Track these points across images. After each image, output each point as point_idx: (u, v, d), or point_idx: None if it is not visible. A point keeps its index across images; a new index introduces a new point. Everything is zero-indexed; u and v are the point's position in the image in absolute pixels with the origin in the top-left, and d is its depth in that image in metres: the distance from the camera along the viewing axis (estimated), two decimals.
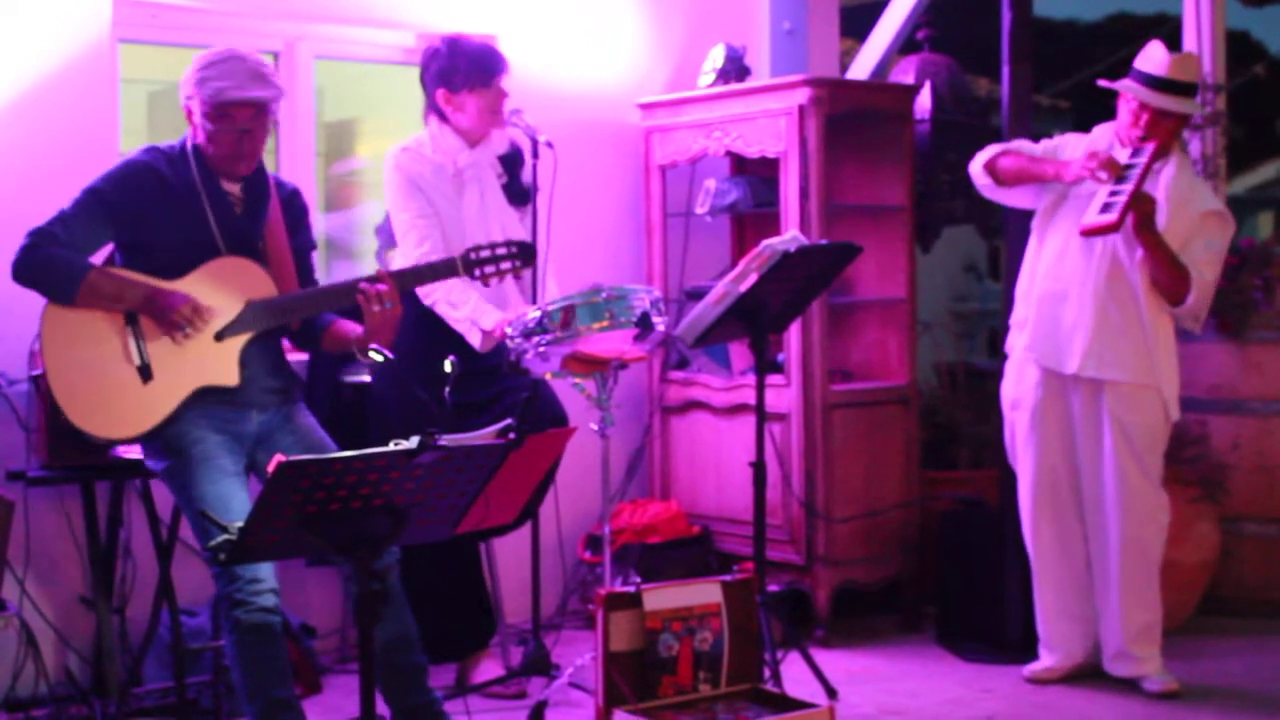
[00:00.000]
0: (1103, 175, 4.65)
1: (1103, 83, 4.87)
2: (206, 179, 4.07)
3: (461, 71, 4.77)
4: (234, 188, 4.12)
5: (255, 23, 5.39)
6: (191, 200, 4.05)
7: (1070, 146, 4.96)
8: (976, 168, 5.02)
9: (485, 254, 4.12)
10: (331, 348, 4.25)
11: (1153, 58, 4.77)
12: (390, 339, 4.08)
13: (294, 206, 4.29)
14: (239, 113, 4.01)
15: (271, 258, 4.14)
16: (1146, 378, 4.81)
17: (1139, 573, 4.86)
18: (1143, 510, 4.83)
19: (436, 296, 4.73)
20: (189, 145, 4.09)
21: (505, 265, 4.13)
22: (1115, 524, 4.84)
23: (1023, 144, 5.03)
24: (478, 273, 4.12)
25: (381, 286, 4.00)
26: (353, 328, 4.18)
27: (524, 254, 4.15)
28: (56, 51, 4.86)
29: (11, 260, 3.97)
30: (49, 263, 3.94)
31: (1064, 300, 4.86)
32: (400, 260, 4.81)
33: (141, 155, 4.11)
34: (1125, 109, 4.84)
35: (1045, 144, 5.02)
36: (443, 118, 4.83)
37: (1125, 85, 4.79)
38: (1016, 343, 5.01)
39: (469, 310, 4.70)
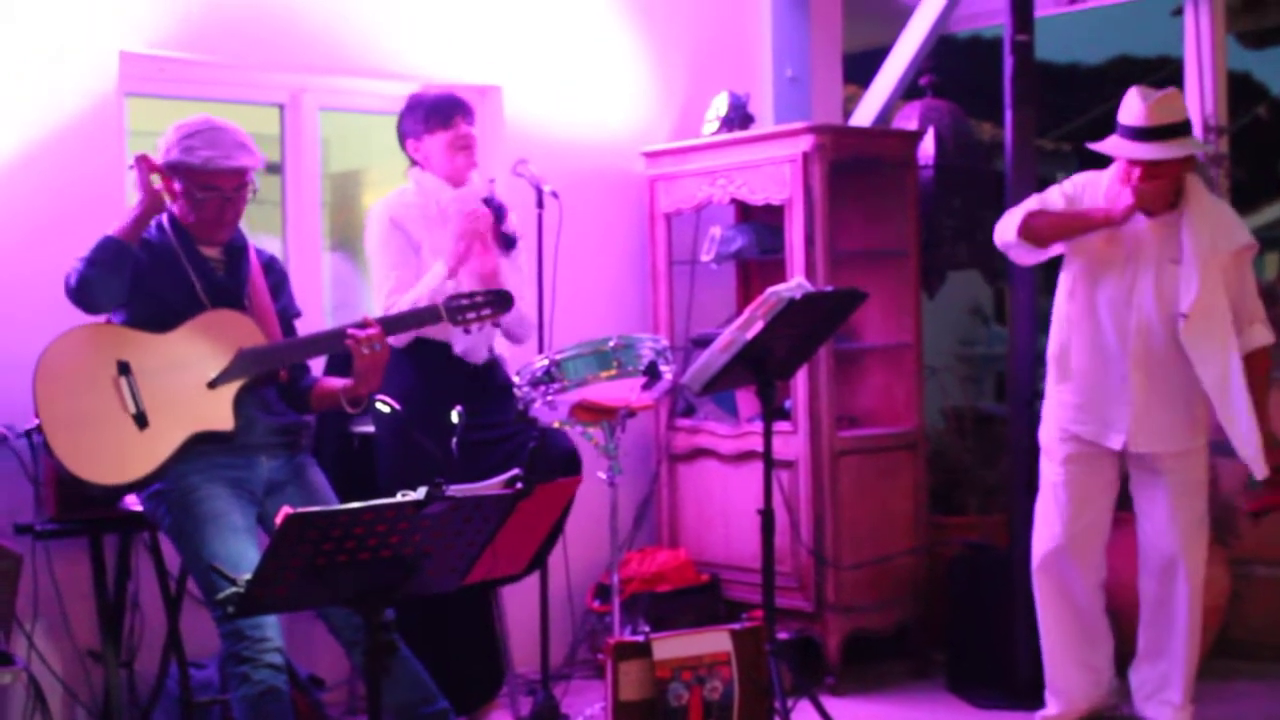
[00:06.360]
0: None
1: (1092, 145, 4.74)
2: (186, 245, 4.17)
3: (421, 119, 4.87)
4: (213, 252, 4.22)
5: (261, 75, 5.42)
6: (174, 265, 4.14)
7: (1089, 190, 4.81)
8: (1009, 235, 4.79)
9: (465, 302, 4.23)
10: (320, 405, 4.31)
11: (1131, 108, 4.63)
12: (378, 382, 4.17)
13: (273, 271, 4.39)
14: (225, 181, 4.10)
15: (257, 315, 4.19)
16: (1194, 442, 4.73)
17: (1198, 620, 4.79)
18: (1201, 555, 4.77)
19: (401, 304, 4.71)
20: (164, 218, 4.19)
21: (485, 312, 4.24)
22: (1183, 571, 4.75)
23: (1044, 199, 4.84)
24: (459, 318, 4.21)
25: (371, 330, 4.08)
26: (338, 381, 4.25)
27: (500, 302, 4.27)
28: (64, 105, 4.89)
29: (69, 290, 4.06)
30: (91, 264, 4.01)
31: (1105, 376, 4.76)
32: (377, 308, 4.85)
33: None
34: (1118, 163, 4.71)
35: (1061, 191, 4.83)
36: (422, 167, 4.91)
37: (1111, 145, 4.66)
38: (1057, 413, 4.89)
39: (423, 289, 4.67)
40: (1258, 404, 4.62)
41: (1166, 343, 4.68)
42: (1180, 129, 4.63)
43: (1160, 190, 4.64)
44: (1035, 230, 4.78)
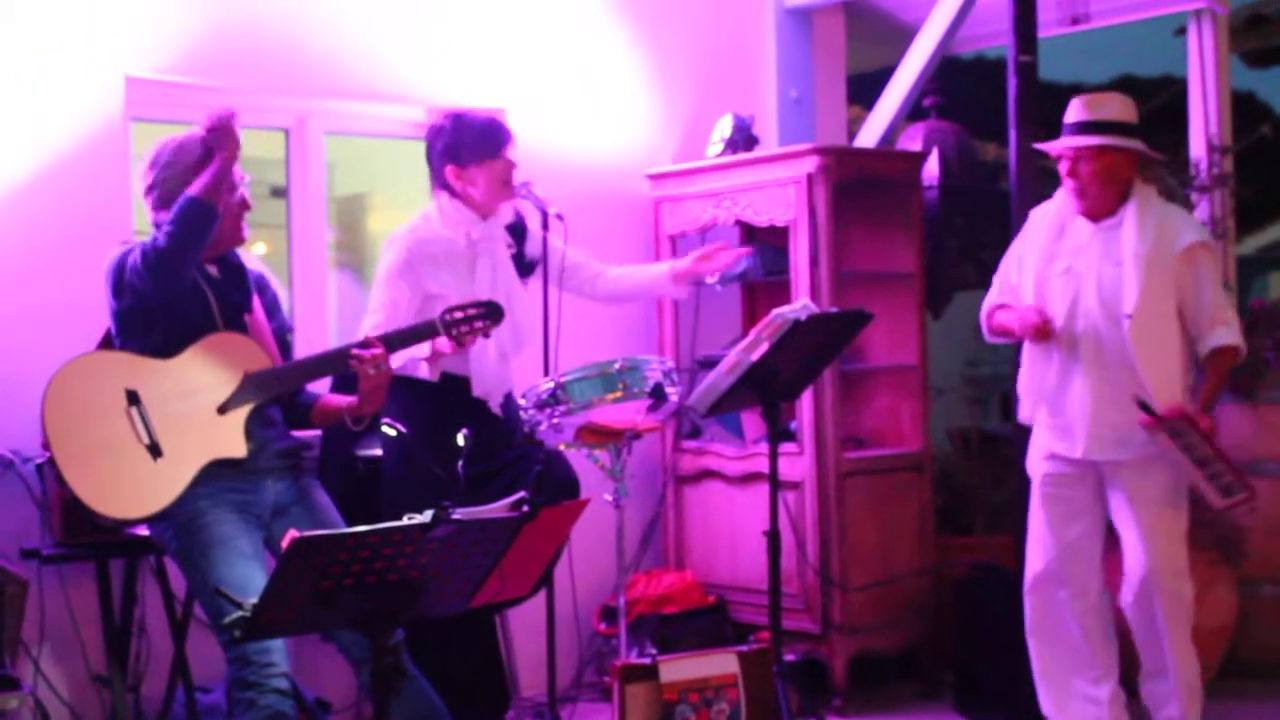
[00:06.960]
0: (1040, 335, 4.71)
1: (1038, 145, 4.80)
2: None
3: (468, 146, 4.73)
4: (213, 269, 4.16)
5: (266, 99, 5.43)
6: (192, 282, 4.07)
7: (1040, 224, 4.86)
8: (986, 335, 5.03)
9: (459, 315, 4.23)
10: (322, 422, 4.30)
11: (1070, 108, 4.73)
12: (382, 401, 4.14)
13: (265, 290, 4.36)
14: (237, 177, 4.08)
15: (255, 334, 4.18)
16: (1151, 449, 4.64)
17: (1183, 635, 4.75)
18: (1175, 569, 4.72)
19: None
20: None
21: (478, 325, 4.23)
22: (1156, 588, 4.70)
23: (999, 287, 4.96)
24: (454, 332, 4.21)
25: (375, 350, 4.06)
26: (341, 399, 4.23)
27: (492, 313, 4.26)
28: (70, 131, 4.91)
29: (151, 263, 3.90)
30: (180, 226, 3.89)
31: (1063, 389, 4.77)
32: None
33: (129, 249, 4.10)
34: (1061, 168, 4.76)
35: (1005, 265, 4.94)
36: (452, 193, 4.82)
37: (1049, 144, 4.74)
38: (1038, 434, 4.91)
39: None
40: (1206, 398, 4.63)
41: (1115, 347, 4.67)
42: (1105, 126, 4.66)
43: (1084, 188, 4.67)
44: (996, 334, 4.98)
